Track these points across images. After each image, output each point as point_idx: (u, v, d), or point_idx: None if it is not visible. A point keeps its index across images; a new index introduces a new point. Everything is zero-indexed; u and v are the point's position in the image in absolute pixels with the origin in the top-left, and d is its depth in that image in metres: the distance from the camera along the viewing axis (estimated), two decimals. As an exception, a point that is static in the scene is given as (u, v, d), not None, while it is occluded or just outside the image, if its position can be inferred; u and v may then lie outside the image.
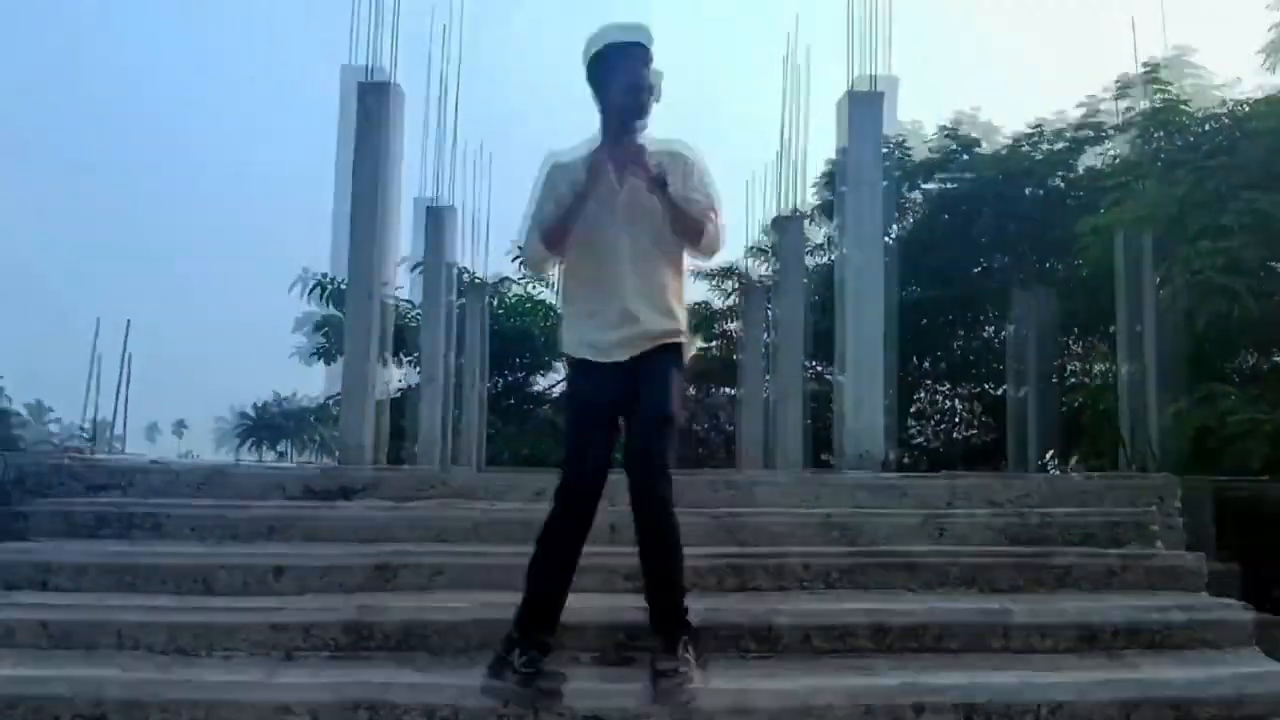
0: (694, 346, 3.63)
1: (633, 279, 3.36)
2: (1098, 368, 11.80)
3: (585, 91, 3.50)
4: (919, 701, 3.27)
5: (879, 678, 3.42)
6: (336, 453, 7.73)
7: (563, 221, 3.37)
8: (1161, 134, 9.42)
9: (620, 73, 3.39)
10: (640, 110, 3.42)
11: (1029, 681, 3.40)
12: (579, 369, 3.43)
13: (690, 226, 3.39)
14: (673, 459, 3.29)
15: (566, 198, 3.36)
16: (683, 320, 3.47)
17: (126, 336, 11.63)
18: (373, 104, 7.52)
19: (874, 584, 4.11)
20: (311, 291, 13.86)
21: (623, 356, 3.34)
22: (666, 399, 3.31)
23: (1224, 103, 9.41)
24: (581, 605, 3.52)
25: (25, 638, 3.65)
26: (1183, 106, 9.45)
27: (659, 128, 3.55)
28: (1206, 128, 9.18)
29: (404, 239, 10.47)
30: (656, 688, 3.13)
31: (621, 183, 3.39)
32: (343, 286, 13.04)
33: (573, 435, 3.41)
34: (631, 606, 3.76)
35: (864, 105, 7.22)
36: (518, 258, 12.51)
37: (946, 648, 3.71)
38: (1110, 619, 3.83)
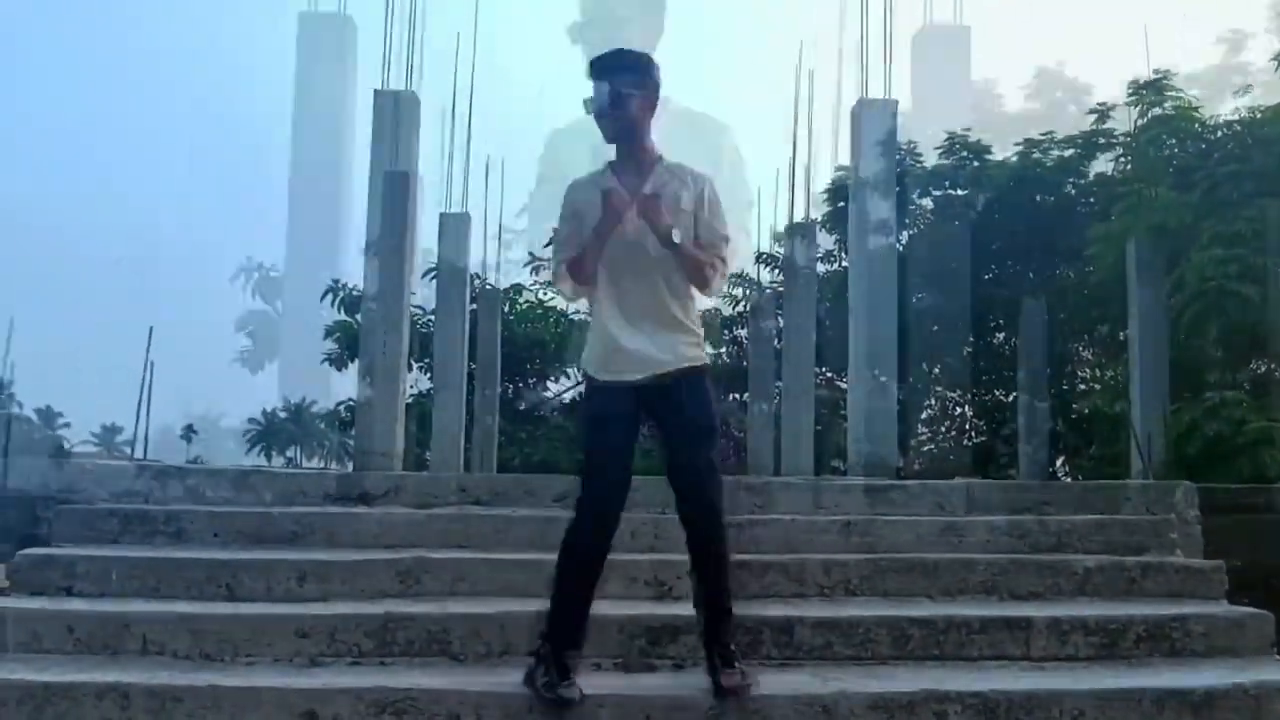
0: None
1: (648, 303, 3.37)
2: (1109, 374, 11.76)
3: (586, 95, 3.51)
4: (941, 709, 3.29)
5: (899, 684, 3.43)
6: (349, 459, 7.80)
7: (583, 260, 3.40)
8: (1174, 141, 9.41)
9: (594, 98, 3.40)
10: (613, 135, 3.43)
11: (1050, 689, 3.41)
12: (598, 386, 3.43)
13: (697, 274, 3.42)
14: (718, 465, 3.33)
15: (585, 234, 3.38)
16: (700, 338, 3.48)
17: (149, 343, 11.60)
18: (392, 112, 7.57)
19: (894, 591, 4.13)
20: (323, 298, 13.83)
21: (640, 378, 3.33)
22: (705, 409, 3.35)
23: (1236, 109, 9.41)
24: (602, 612, 3.52)
25: (51, 642, 3.68)
26: (1194, 114, 9.44)
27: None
28: (1219, 134, 9.18)
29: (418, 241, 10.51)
30: (722, 698, 3.21)
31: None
32: (355, 293, 13.14)
33: (593, 448, 3.38)
34: (652, 613, 3.79)
35: (876, 112, 7.26)
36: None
37: (967, 655, 3.73)
38: (1130, 626, 3.85)
